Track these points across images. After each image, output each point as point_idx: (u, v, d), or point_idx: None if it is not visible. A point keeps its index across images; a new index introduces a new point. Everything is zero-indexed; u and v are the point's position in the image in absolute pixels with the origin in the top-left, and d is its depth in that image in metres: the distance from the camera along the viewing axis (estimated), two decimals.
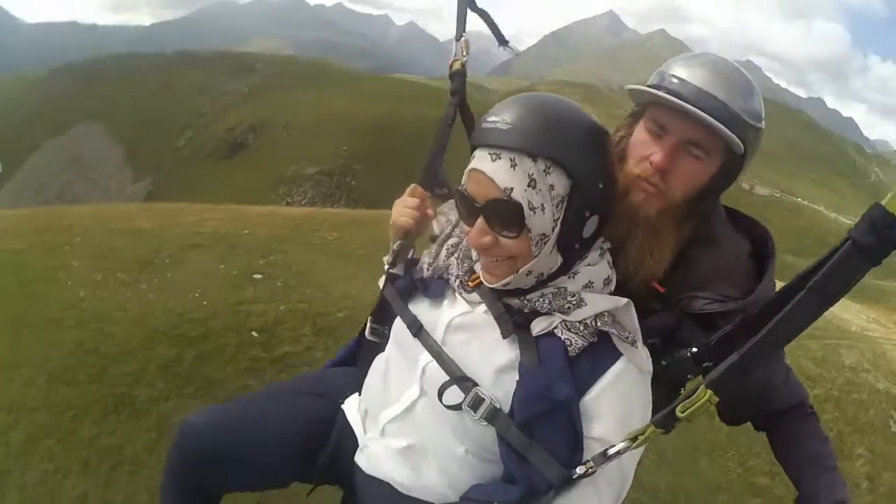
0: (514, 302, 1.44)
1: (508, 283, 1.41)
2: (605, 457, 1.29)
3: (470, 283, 1.52)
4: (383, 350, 1.74)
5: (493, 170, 1.32)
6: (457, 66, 1.95)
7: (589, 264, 1.45)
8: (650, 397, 1.45)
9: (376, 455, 1.57)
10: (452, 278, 1.56)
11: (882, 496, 5.06)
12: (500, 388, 1.38)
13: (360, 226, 7.37)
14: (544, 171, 1.31)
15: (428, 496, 1.48)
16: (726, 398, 1.19)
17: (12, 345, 3.87)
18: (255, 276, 5.17)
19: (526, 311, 1.43)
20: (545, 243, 1.35)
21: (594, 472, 1.29)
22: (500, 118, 1.33)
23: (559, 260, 1.40)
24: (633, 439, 1.28)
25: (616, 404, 1.37)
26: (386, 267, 1.81)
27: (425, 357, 1.50)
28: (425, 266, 1.66)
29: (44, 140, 69.75)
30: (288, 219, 7.46)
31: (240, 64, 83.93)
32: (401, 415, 1.54)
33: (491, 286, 1.44)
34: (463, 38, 1.96)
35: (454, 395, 1.40)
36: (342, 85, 71.41)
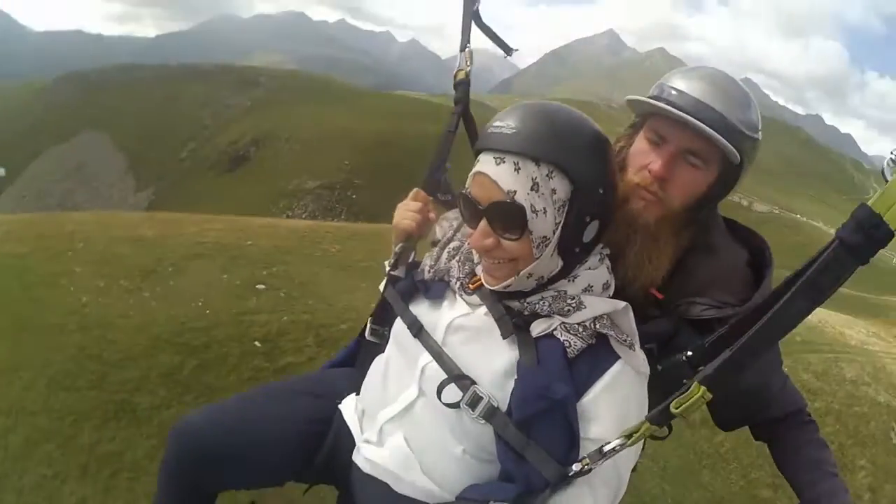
0: (515, 304, 1.46)
1: (509, 286, 1.43)
2: (601, 454, 1.30)
3: (471, 286, 1.54)
4: (383, 351, 1.75)
5: (496, 173, 1.34)
6: (461, 75, 1.99)
7: (589, 268, 1.48)
8: (647, 399, 1.47)
9: (373, 455, 1.56)
10: (453, 280, 1.58)
11: None
12: (499, 387, 1.40)
13: (362, 239, 7.38)
14: (547, 175, 1.33)
15: (424, 496, 1.48)
16: (719, 395, 1.20)
17: (13, 348, 3.85)
18: (258, 286, 5.16)
19: (526, 313, 1.44)
20: (546, 246, 1.37)
21: (590, 471, 1.30)
22: (504, 123, 1.36)
23: (559, 263, 1.43)
24: (629, 436, 1.29)
25: (613, 406, 1.38)
26: (387, 269, 1.84)
27: (425, 357, 1.51)
28: (426, 268, 1.68)
29: (47, 147, 69.97)
30: (290, 231, 7.47)
31: (243, 78, 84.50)
32: (399, 414, 1.54)
33: (492, 288, 1.47)
34: (467, 49, 2.01)
35: (452, 393, 1.41)
36: (344, 100, 71.88)
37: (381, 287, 1.83)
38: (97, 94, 79.58)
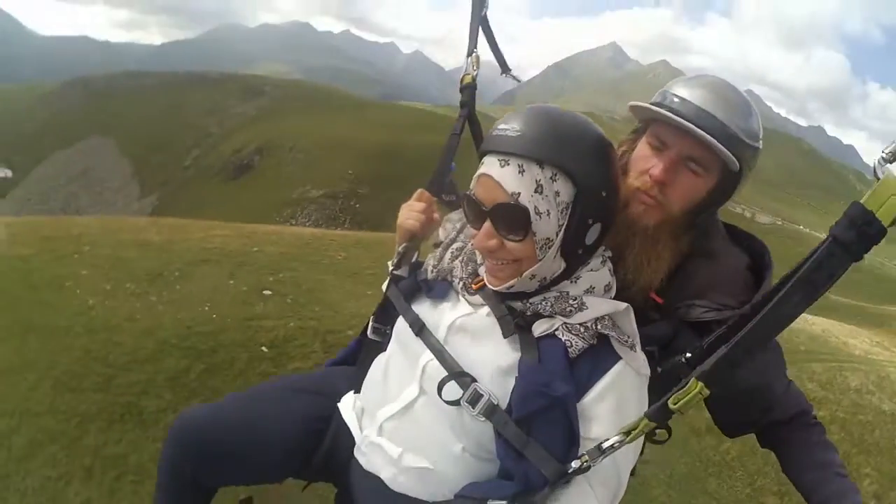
0: (517, 305, 1.45)
1: (512, 286, 1.43)
2: (599, 451, 1.29)
3: (473, 286, 1.54)
4: (384, 350, 1.75)
5: (501, 175, 1.35)
6: (467, 79, 2.01)
7: (591, 270, 1.48)
8: (647, 400, 1.46)
9: (373, 452, 1.56)
10: (456, 280, 1.58)
11: None
12: (500, 385, 1.40)
13: (367, 246, 7.41)
14: (551, 177, 1.34)
15: (423, 494, 1.48)
16: (722, 399, 1.23)
17: (18, 349, 3.86)
18: (265, 292, 5.18)
19: (528, 313, 1.44)
20: (549, 248, 1.38)
21: (589, 468, 1.29)
22: (509, 126, 1.37)
23: (562, 265, 1.43)
24: (627, 433, 1.28)
25: (614, 406, 1.38)
26: (390, 268, 1.83)
27: (426, 356, 1.50)
28: (429, 268, 1.68)
29: (52, 151, 70.26)
30: (296, 238, 7.51)
31: (248, 86, 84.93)
32: (399, 412, 1.54)
33: (495, 289, 1.47)
34: (474, 54, 2.03)
35: (453, 390, 1.40)
36: (348, 110, 72.19)
37: (384, 286, 1.83)
38: (103, 100, 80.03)
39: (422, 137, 50.93)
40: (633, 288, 1.61)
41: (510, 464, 1.34)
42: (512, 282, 1.41)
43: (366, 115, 68.89)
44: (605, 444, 1.28)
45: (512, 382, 1.37)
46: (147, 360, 3.92)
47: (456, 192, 1.92)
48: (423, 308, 1.61)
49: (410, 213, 1.82)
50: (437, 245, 1.77)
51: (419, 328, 1.54)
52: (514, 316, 1.44)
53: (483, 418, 1.37)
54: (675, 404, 1.21)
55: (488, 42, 2.10)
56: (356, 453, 1.62)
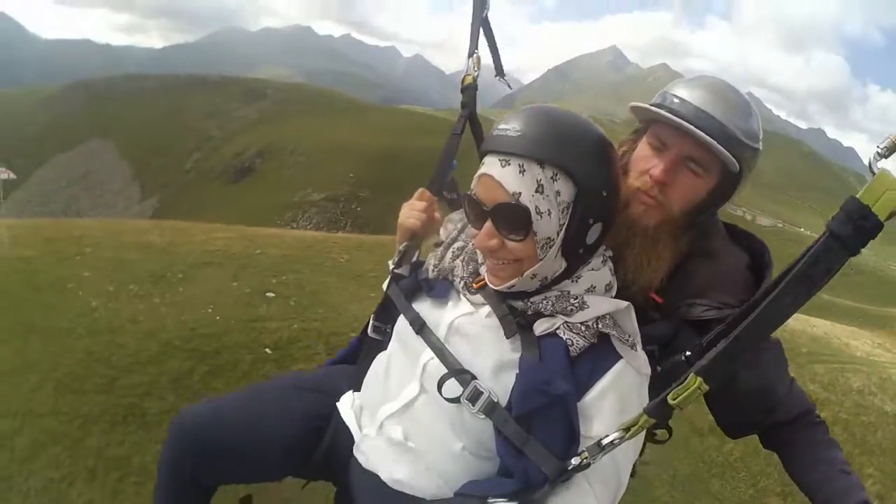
0: (518, 304, 1.45)
1: (513, 286, 1.43)
2: (599, 447, 1.28)
3: (474, 285, 1.54)
4: (384, 349, 1.75)
5: (502, 175, 1.35)
6: (468, 80, 2.02)
7: (592, 269, 1.48)
8: (647, 399, 1.45)
9: (373, 450, 1.56)
10: (457, 280, 1.58)
11: None
12: (500, 382, 1.40)
13: (369, 249, 7.42)
14: (552, 177, 1.34)
15: (423, 492, 1.47)
16: (725, 399, 1.21)
17: (20, 350, 3.85)
18: (268, 294, 5.18)
19: (529, 312, 1.44)
20: (550, 247, 1.38)
21: (589, 465, 1.29)
22: (510, 126, 1.37)
23: (563, 264, 1.43)
24: (627, 429, 1.28)
25: (614, 405, 1.38)
26: (391, 267, 1.83)
27: (427, 354, 1.50)
28: (430, 267, 1.68)
29: (53, 154, 70.40)
30: (298, 240, 7.52)
31: (250, 90, 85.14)
32: (399, 411, 1.54)
33: (496, 288, 1.47)
34: (475, 55, 2.04)
35: (453, 388, 1.40)
36: (349, 114, 72.35)
37: (385, 285, 1.83)
38: (103, 103, 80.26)
39: (422, 141, 51.03)
40: (633, 288, 1.61)
41: (510, 461, 1.34)
42: (513, 281, 1.41)
43: (367, 119, 69.04)
44: (605, 441, 1.28)
45: (512, 380, 1.37)
46: (150, 361, 3.91)
47: (457, 191, 1.93)
48: (423, 307, 1.61)
49: (411, 211, 1.83)
50: (437, 245, 1.77)
51: (420, 326, 1.54)
52: (515, 315, 1.44)
53: (483, 416, 1.37)
54: (674, 400, 1.21)
55: (488, 43, 2.10)
56: (355, 451, 1.61)
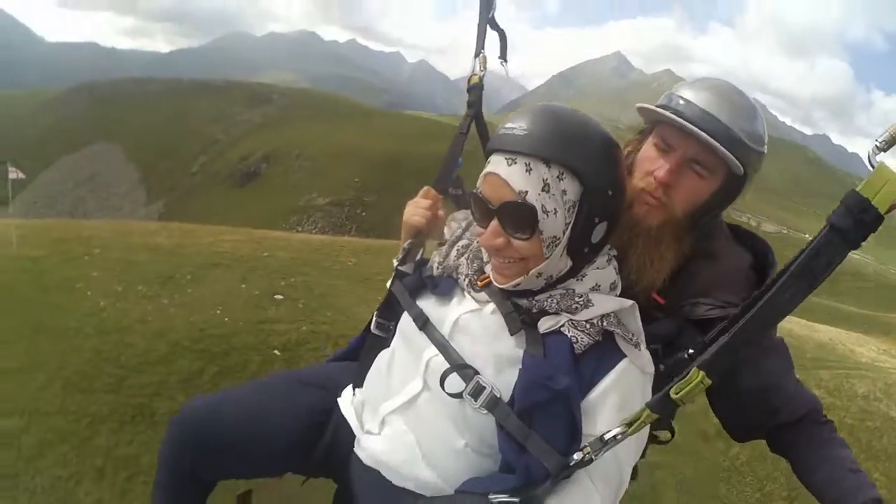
0: (523, 302, 1.45)
1: (518, 284, 1.43)
2: (602, 442, 1.27)
3: (479, 283, 1.54)
4: (387, 346, 1.74)
5: (508, 173, 1.35)
6: (475, 80, 2.02)
7: (597, 268, 1.48)
8: (650, 398, 1.44)
9: (374, 447, 1.55)
10: (461, 277, 1.57)
11: None
12: (503, 378, 1.39)
13: (377, 253, 7.44)
14: (558, 176, 1.34)
15: (424, 489, 1.47)
16: (721, 384, 1.19)
17: (28, 349, 3.86)
18: (277, 296, 5.19)
19: (534, 310, 1.44)
20: (556, 246, 1.37)
21: (591, 461, 1.28)
22: (517, 125, 1.37)
23: (568, 263, 1.42)
24: (629, 424, 1.27)
25: (618, 403, 1.37)
26: (395, 264, 1.83)
27: (430, 351, 1.50)
28: (435, 265, 1.67)
29: (59, 156, 70.69)
30: (306, 244, 7.54)
31: (255, 94, 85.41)
32: (402, 407, 1.53)
33: (501, 286, 1.46)
34: (482, 55, 2.04)
35: (456, 383, 1.41)
36: (355, 119, 72.48)
37: (389, 283, 1.82)
38: (108, 106, 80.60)
39: (427, 147, 51.02)
40: (636, 288, 1.60)
41: (512, 456, 1.34)
42: (518, 280, 1.41)
43: (372, 124, 69.19)
44: (608, 436, 1.27)
45: (515, 376, 1.36)
46: (159, 361, 3.92)
47: (462, 187, 1.93)
48: (427, 304, 1.60)
49: (416, 209, 1.82)
50: (441, 244, 1.77)
51: (423, 322, 1.54)
52: (519, 313, 1.44)
53: (485, 411, 1.36)
54: (676, 394, 1.20)
55: (499, 37, 2.09)
56: (356, 448, 1.61)
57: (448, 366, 1.42)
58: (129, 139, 72.64)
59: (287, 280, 5.61)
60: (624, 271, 1.57)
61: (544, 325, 1.41)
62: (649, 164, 1.60)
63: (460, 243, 1.66)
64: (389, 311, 1.81)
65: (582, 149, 1.35)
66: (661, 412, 1.24)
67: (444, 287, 1.59)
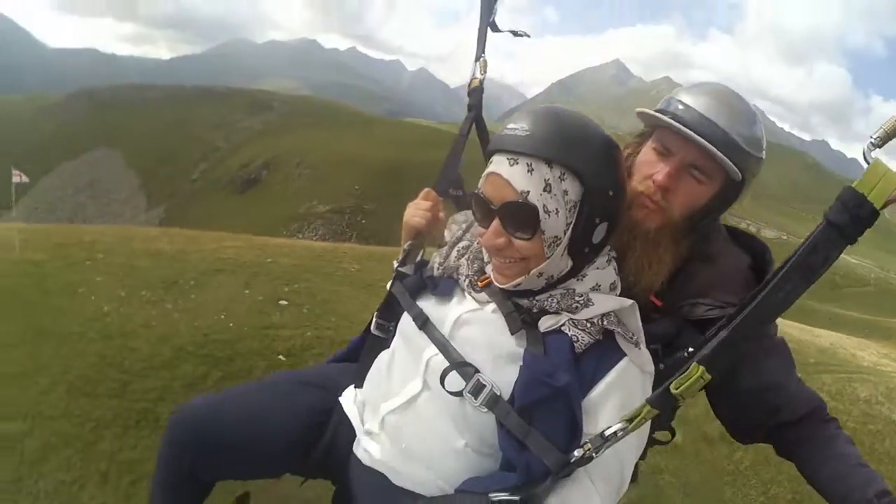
0: (524, 302, 1.47)
1: (519, 284, 1.44)
2: (602, 438, 1.28)
3: (479, 283, 1.55)
4: (387, 347, 1.75)
5: (510, 173, 1.36)
6: (475, 83, 2.05)
7: (597, 268, 1.50)
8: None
9: (374, 447, 1.56)
10: (462, 278, 1.58)
11: None
12: (503, 376, 1.40)
13: (379, 259, 7.45)
14: (559, 177, 1.35)
15: (423, 489, 1.47)
16: (719, 376, 1.20)
17: (31, 353, 3.85)
18: (281, 302, 5.20)
19: (535, 310, 1.45)
20: (557, 246, 1.39)
21: (591, 458, 1.28)
22: (518, 126, 1.39)
23: (569, 263, 1.44)
24: (630, 420, 1.28)
25: (618, 402, 1.38)
26: (396, 265, 1.85)
27: (430, 350, 1.50)
28: (435, 266, 1.69)
29: (59, 162, 70.82)
30: (308, 250, 7.56)
31: (256, 101, 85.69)
32: (401, 406, 1.53)
33: (502, 286, 1.47)
34: (482, 59, 2.07)
35: (456, 381, 1.41)
36: (355, 127, 72.75)
37: (389, 284, 1.83)
38: (108, 112, 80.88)
39: (427, 154, 51.18)
40: (634, 290, 1.61)
41: (512, 454, 1.34)
42: (519, 280, 1.42)
43: (372, 132, 69.45)
44: (608, 432, 1.27)
45: (515, 374, 1.37)
46: (163, 366, 3.91)
47: (462, 188, 1.94)
48: (428, 304, 1.61)
49: (416, 210, 1.84)
50: (442, 245, 1.78)
51: (423, 322, 1.54)
52: (520, 312, 1.45)
53: (485, 409, 1.37)
54: (676, 389, 1.22)
55: (506, 32, 2.12)
56: (356, 448, 1.61)
57: (448, 364, 1.42)
58: (129, 145, 72.80)
59: (290, 286, 5.61)
60: (622, 273, 1.58)
61: (545, 324, 1.42)
62: (648, 168, 1.62)
63: (461, 244, 1.68)
64: (389, 312, 1.83)
65: (583, 150, 1.37)
66: (662, 407, 1.25)
67: (445, 287, 1.61)
